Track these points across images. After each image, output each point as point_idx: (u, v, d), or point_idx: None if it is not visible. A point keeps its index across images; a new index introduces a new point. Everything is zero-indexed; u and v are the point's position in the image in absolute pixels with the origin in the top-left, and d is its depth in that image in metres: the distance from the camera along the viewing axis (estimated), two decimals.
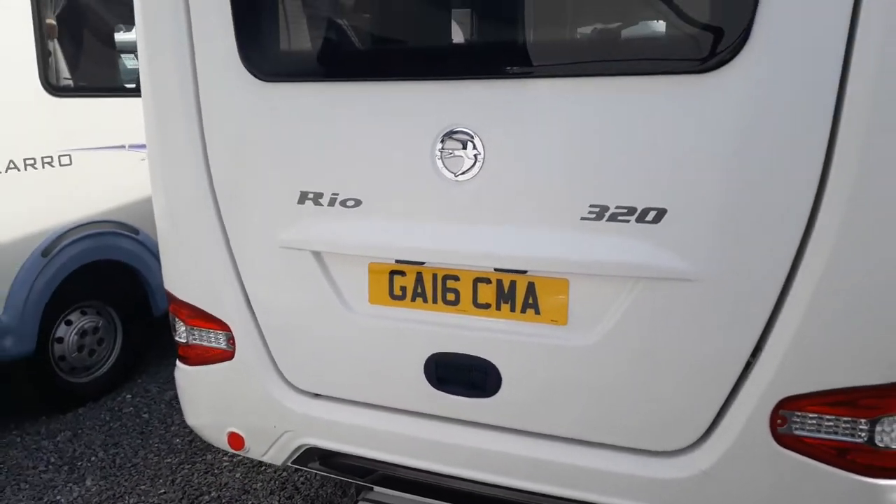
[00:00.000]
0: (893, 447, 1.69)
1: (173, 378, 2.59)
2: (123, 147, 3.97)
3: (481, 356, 1.98)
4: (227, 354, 2.34)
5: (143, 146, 3.94)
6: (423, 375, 2.06)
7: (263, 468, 3.40)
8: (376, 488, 2.39)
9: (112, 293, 4.13)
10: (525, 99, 1.79)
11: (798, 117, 1.55)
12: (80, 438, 3.71)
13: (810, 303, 1.63)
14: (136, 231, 4.07)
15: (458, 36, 2.07)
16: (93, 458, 3.52)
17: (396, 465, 2.19)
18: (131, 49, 5.60)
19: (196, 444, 3.63)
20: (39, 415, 3.93)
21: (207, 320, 2.33)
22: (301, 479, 3.30)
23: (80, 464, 3.47)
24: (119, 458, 3.52)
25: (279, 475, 3.33)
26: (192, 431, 3.73)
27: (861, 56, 1.47)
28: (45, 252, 3.63)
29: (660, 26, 1.85)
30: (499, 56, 1.83)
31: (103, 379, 4.15)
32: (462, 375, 2.02)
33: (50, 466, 3.46)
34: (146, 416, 3.95)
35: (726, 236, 1.67)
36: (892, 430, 1.68)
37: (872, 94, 1.48)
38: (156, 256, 4.16)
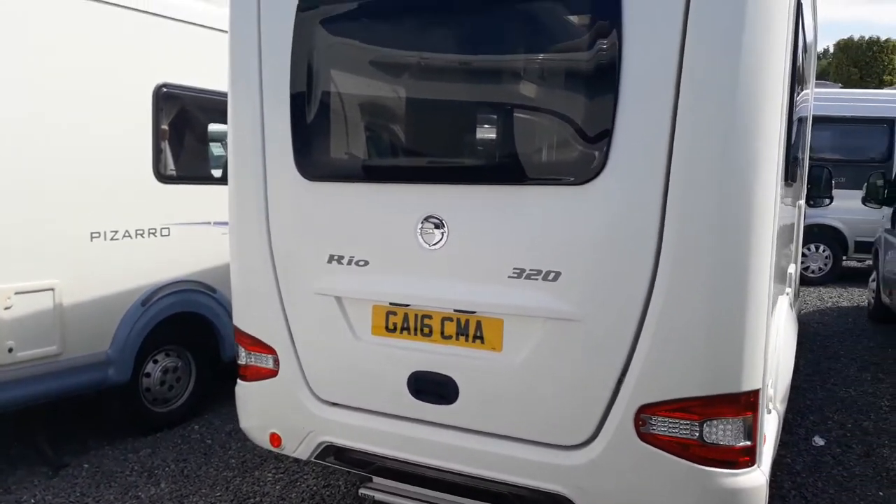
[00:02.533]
0: (716, 443, 2.43)
1: (234, 413, 3.47)
2: (209, 223, 5.05)
3: (446, 373, 2.82)
4: (273, 372, 3.24)
5: (225, 223, 5.05)
6: (406, 388, 2.90)
7: (298, 483, 4.22)
8: (374, 479, 3.20)
9: (190, 340, 5.13)
10: (476, 198, 2.71)
11: (638, 212, 2.40)
12: (157, 454, 4.63)
13: (652, 339, 2.43)
14: (214, 290, 5.11)
15: (433, 158, 3.01)
16: (166, 469, 4.42)
17: (387, 458, 3.00)
18: (217, 139, 6.91)
19: (247, 464, 4.49)
20: (126, 436, 4.88)
21: (261, 346, 3.26)
22: (328, 492, 4.10)
23: (156, 472, 4.38)
24: (187, 470, 4.41)
25: (310, 488, 4.14)
26: (244, 454, 4.62)
27: (674, 180, 2.34)
28: (144, 302, 4.68)
29: (554, 158, 2.77)
30: (457, 172, 2.80)
31: (178, 411, 5.10)
32: (433, 388, 2.85)
33: (133, 472, 4.38)
34: (209, 441, 4.86)
35: (599, 291, 2.50)
36: (716, 430, 2.43)
37: (681, 201, 2.33)
38: (228, 311, 5.20)
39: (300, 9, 2.94)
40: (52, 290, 4.19)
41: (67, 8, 4.16)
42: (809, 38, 4.44)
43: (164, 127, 4.83)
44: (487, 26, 2.74)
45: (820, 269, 10.77)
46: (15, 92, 3.94)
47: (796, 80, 3.06)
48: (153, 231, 4.73)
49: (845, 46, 36.21)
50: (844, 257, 10.79)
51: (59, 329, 4.22)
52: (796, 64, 2.92)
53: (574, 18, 2.62)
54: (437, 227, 2.75)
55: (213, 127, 5.86)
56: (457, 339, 2.80)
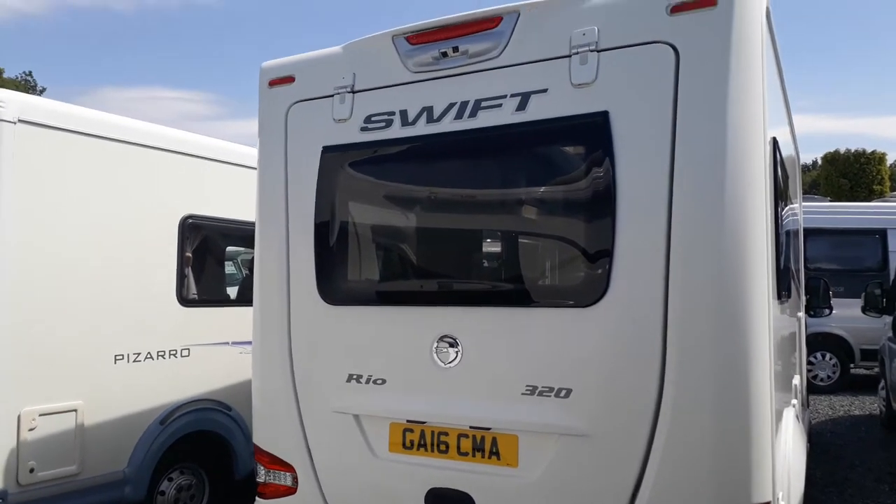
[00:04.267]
0: None
1: None
2: (227, 343, 5.23)
3: (463, 490, 2.90)
4: (292, 490, 3.32)
5: (243, 343, 5.22)
6: None
7: None
8: None
9: (205, 457, 5.17)
10: (489, 319, 2.90)
11: (641, 334, 2.58)
12: None
13: (663, 455, 2.54)
14: (229, 408, 5.21)
15: (447, 282, 3.23)
16: None
17: None
18: (230, 259, 7.19)
19: None
20: None
21: (281, 465, 3.35)
22: None
23: None
24: None
25: None
26: None
27: (672, 303, 2.53)
28: (163, 421, 4.77)
29: (560, 284, 2.99)
30: (470, 295, 3.01)
31: None
32: None
33: None
34: None
35: (610, 408, 2.64)
36: None
37: (680, 322, 2.51)
38: (242, 429, 5.27)
39: (325, 150, 3.26)
40: (75, 410, 4.30)
41: (106, 150, 4.53)
42: (789, 155, 4.78)
43: (188, 254, 5.10)
44: (492, 165, 3.05)
45: (829, 377, 10.75)
46: (49, 225, 4.22)
47: (780, 199, 3.32)
48: (174, 352, 4.90)
49: (832, 159, 37.55)
50: (852, 365, 10.80)
51: (80, 449, 4.30)
52: (778, 186, 3.19)
53: (570, 153, 2.92)
54: (451, 346, 2.93)
55: (228, 248, 6.16)
56: (473, 455, 2.91)
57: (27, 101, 4.20)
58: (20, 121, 4.00)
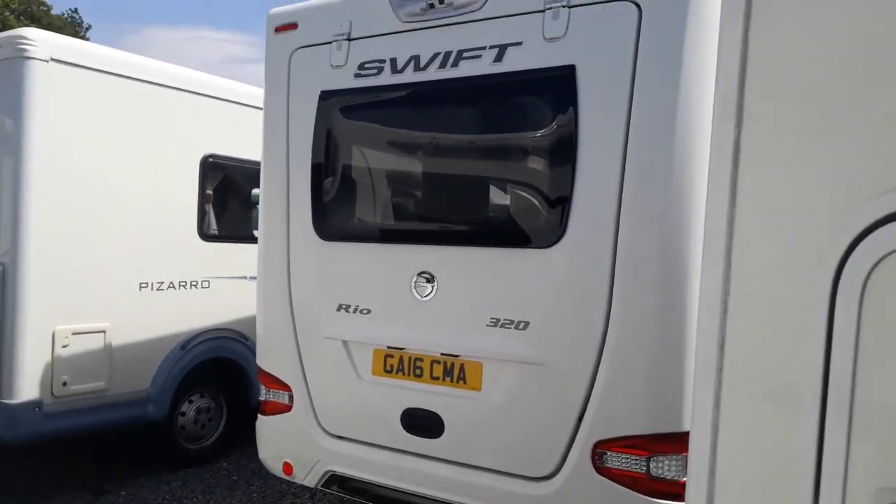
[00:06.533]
0: (662, 477, 2.74)
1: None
2: (245, 278, 5.59)
3: (433, 410, 3.20)
4: (288, 408, 3.67)
5: None
6: (399, 423, 3.29)
7: None
8: None
9: (223, 383, 5.61)
10: (461, 257, 3.15)
11: (591, 274, 2.80)
12: (187, 486, 5.06)
13: (606, 383, 2.79)
14: (247, 338, 5.60)
15: (427, 223, 3.47)
16: (194, 499, 4.84)
17: (381, 486, 3.37)
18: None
19: (267, 498, 4.87)
20: (160, 469, 5.32)
21: (279, 384, 3.70)
22: None
23: (185, 501, 4.80)
24: (212, 501, 4.82)
25: None
26: (266, 490, 5.00)
27: (620, 248, 2.74)
28: (184, 346, 5.19)
29: (525, 227, 3.19)
30: (447, 236, 3.25)
31: (208, 449, 5.54)
32: (422, 423, 3.24)
33: (165, 500, 4.80)
34: (235, 478, 5.26)
35: (562, 339, 2.89)
36: (661, 466, 2.74)
37: (627, 266, 2.73)
38: None
39: (321, 98, 3.50)
40: (104, 332, 4.73)
41: (132, 90, 4.85)
42: None
43: (209, 191, 5.44)
44: (470, 113, 3.26)
45: None
46: (79, 159, 4.58)
47: None
48: (195, 283, 5.29)
49: None
50: None
51: (108, 367, 4.74)
52: None
53: (540, 104, 3.09)
54: (428, 281, 3.19)
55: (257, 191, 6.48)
56: (443, 379, 3.20)
57: (58, 41, 4.52)
58: (52, 59, 4.33)
